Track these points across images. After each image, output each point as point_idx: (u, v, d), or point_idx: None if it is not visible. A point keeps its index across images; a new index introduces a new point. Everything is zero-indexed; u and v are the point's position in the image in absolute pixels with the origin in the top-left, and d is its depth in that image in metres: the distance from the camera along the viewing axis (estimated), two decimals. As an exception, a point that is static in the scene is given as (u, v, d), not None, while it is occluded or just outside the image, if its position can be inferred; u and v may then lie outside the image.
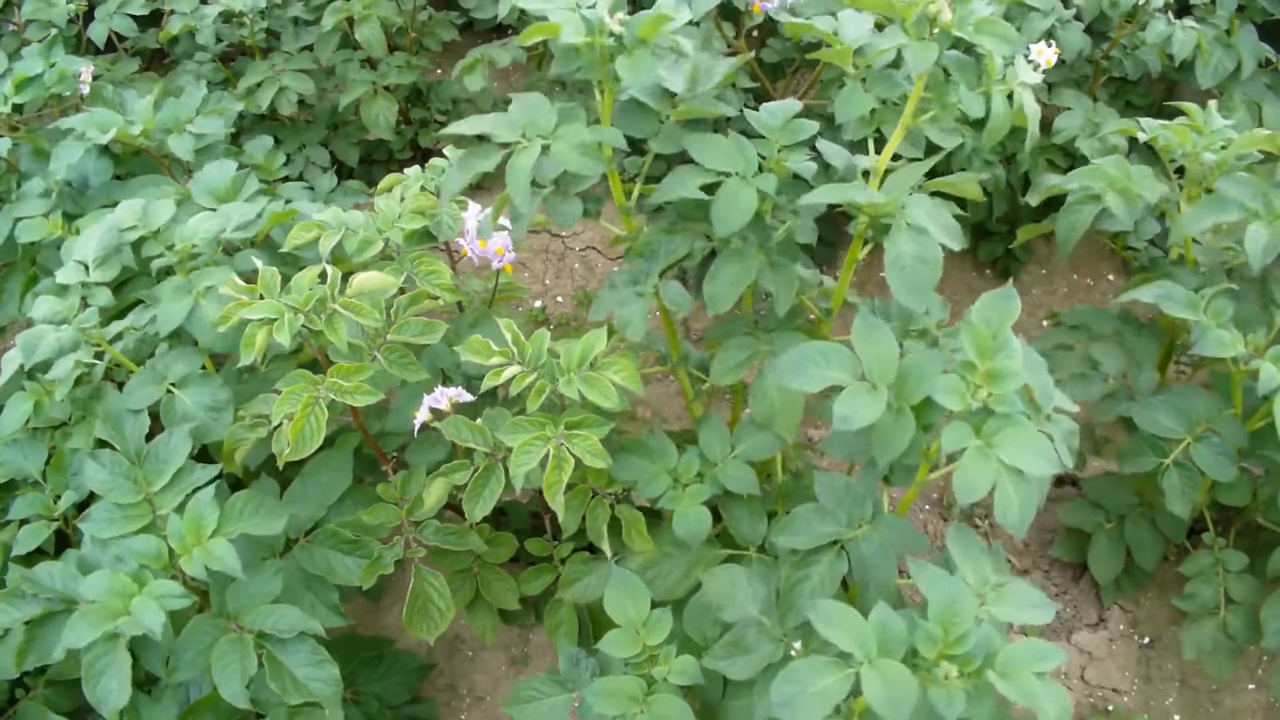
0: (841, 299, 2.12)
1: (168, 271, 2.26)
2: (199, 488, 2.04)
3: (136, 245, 2.29)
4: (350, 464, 2.23)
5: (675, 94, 1.93)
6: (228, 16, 3.06)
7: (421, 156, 3.38)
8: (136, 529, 2.05)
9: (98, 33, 3.05)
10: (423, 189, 2.37)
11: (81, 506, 2.51)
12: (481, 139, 1.90)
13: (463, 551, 2.26)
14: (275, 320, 1.95)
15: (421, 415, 2.10)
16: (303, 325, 1.95)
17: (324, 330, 1.95)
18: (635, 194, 2.06)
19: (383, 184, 2.41)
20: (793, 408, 2.04)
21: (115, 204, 2.64)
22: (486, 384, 1.99)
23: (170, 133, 2.68)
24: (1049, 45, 2.55)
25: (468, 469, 2.07)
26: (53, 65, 2.74)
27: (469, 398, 2.12)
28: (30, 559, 2.23)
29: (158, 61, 3.51)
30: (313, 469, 2.22)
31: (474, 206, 2.34)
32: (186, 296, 2.17)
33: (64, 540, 2.38)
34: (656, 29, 1.77)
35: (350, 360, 2.02)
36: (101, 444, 2.57)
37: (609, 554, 2.12)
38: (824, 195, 1.81)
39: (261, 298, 2.02)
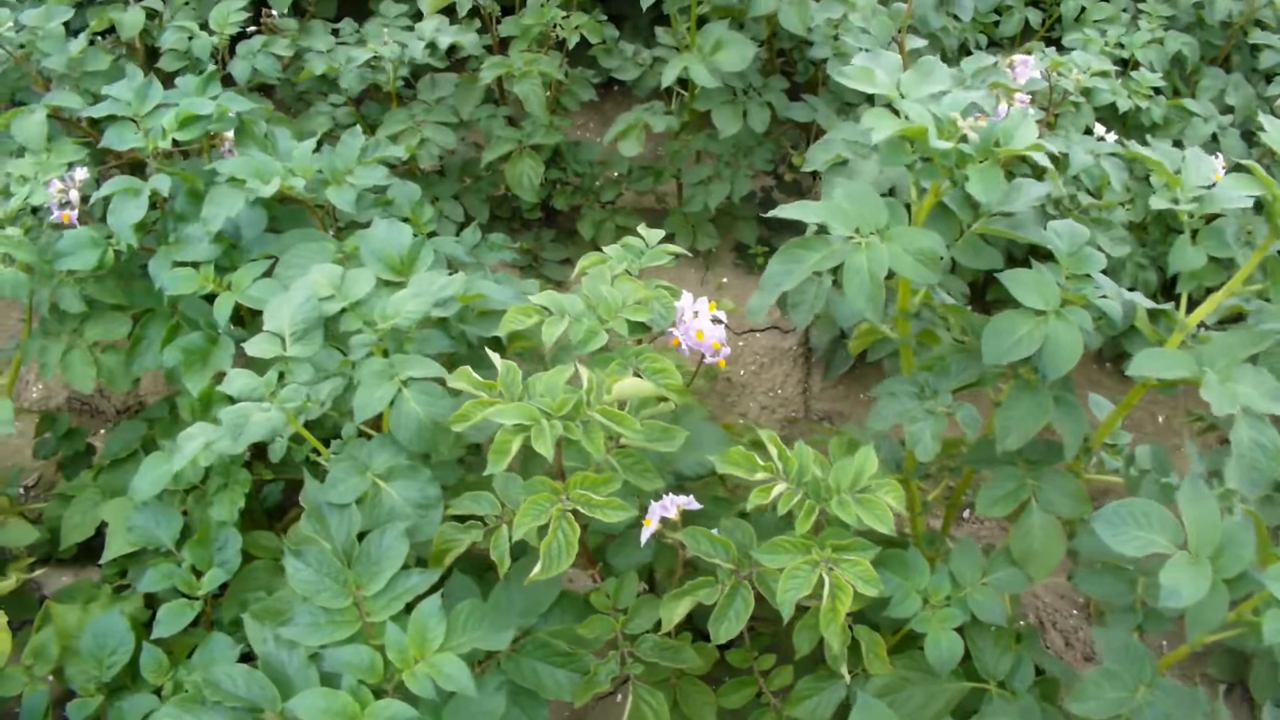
0: (1101, 440, 2.04)
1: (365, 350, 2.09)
2: (421, 595, 1.89)
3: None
4: (559, 568, 2.08)
5: (979, 204, 1.84)
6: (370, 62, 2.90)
7: (548, 217, 3.25)
8: (345, 637, 1.88)
9: (240, 70, 2.86)
10: (626, 271, 2.25)
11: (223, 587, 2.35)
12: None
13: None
14: (531, 427, 1.80)
15: (652, 525, 1.96)
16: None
17: (581, 440, 1.80)
18: (920, 299, 1.95)
19: (584, 263, 2.27)
20: (1054, 551, 1.96)
21: (270, 258, 2.49)
22: (753, 501, 1.86)
23: (328, 184, 2.51)
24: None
25: (713, 586, 1.93)
26: (215, 99, 2.55)
27: (697, 506, 1.99)
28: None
29: (263, 94, 3.32)
30: (517, 572, 2.07)
31: (687, 296, 2.21)
32: (388, 383, 2.01)
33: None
34: (1013, 155, 1.68)
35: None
36: (246, 515, 2.40)
37: (846, 676, 1.99)
38: (1157, 366, 1.72)
39: (501, 396, 1.87)
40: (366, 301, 2.10)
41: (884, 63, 1.99)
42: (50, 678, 2.41)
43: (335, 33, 3.12)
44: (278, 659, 1.97)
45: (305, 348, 2.01)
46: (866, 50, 2.62)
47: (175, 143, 2.55)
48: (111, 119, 2.63)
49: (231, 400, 2.25)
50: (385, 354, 2.07)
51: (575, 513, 1.82)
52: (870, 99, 2.88)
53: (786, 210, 1.83)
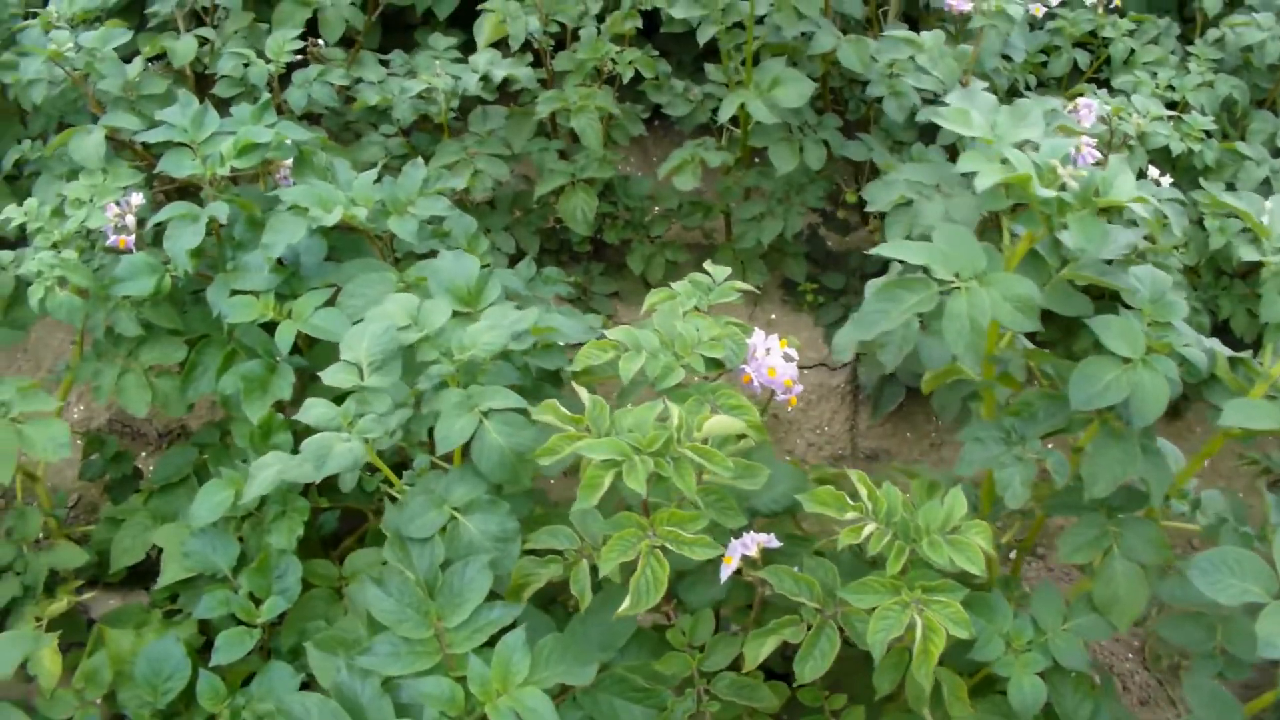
0: (1181, 486, 2.05)
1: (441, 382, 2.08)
2: (505, 628, 1.87)
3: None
4: (630, 603, 2.07)
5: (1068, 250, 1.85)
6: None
7: (597, 251, 3.25)
8: (426, 668, 1.87)
9: (295, 98, 2.86)
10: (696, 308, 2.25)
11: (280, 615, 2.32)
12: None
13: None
14: (623, 463, 1.79)
15: (734, 563, 1.95)
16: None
17: (672, 477, 1.80)
18: (1005, 343, 1.96)
19: (653, 299, 2.27)
20: (1137, 598, 1.96)
21: (330, 287, 2.48)
22: (843, 541, 1.85)
23: (389, 214, 2.51)
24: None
25: (798, 625, 1.92)
26: (271, 127, 2.55)
27: (777, 544, 1.98)
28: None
29: (309, 123, 3.32)
30: (595, 606, 2.06)
31: (759, 333, 2.21)
32: (467, 415, 2.00)
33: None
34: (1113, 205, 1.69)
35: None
36: (302, 543, 2.38)
37: (929, 718, 1.98)
38: (1247, 417, 1.73)
39: (589, 430, 1.87)
40: (443, 332, 2.09)
41: (979, 103, 2.00)
42: (98, 702, 2.39)
43: (384, 64, 3.13)
44: (350, 689, 1.95)
45: (384, 378, 2.00)
46: (932, 94, 2.66)
47: (233, 170, 2.55)
48: (167, 144, 2.62)
49: (292, 429, 2.25)
50: (461, 385, 2.06)
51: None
52: (930, 139, 2.91)
53: (885, 250, 1.84)
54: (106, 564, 2.66)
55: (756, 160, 3.08)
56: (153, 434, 3.23)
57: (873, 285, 2.16)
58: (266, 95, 2.69)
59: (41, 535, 2.63)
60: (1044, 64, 3.17)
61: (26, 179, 3.18)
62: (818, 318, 3.13)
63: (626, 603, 1.78)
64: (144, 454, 3.16)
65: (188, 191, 2.92)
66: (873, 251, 1.83)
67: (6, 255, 2.58)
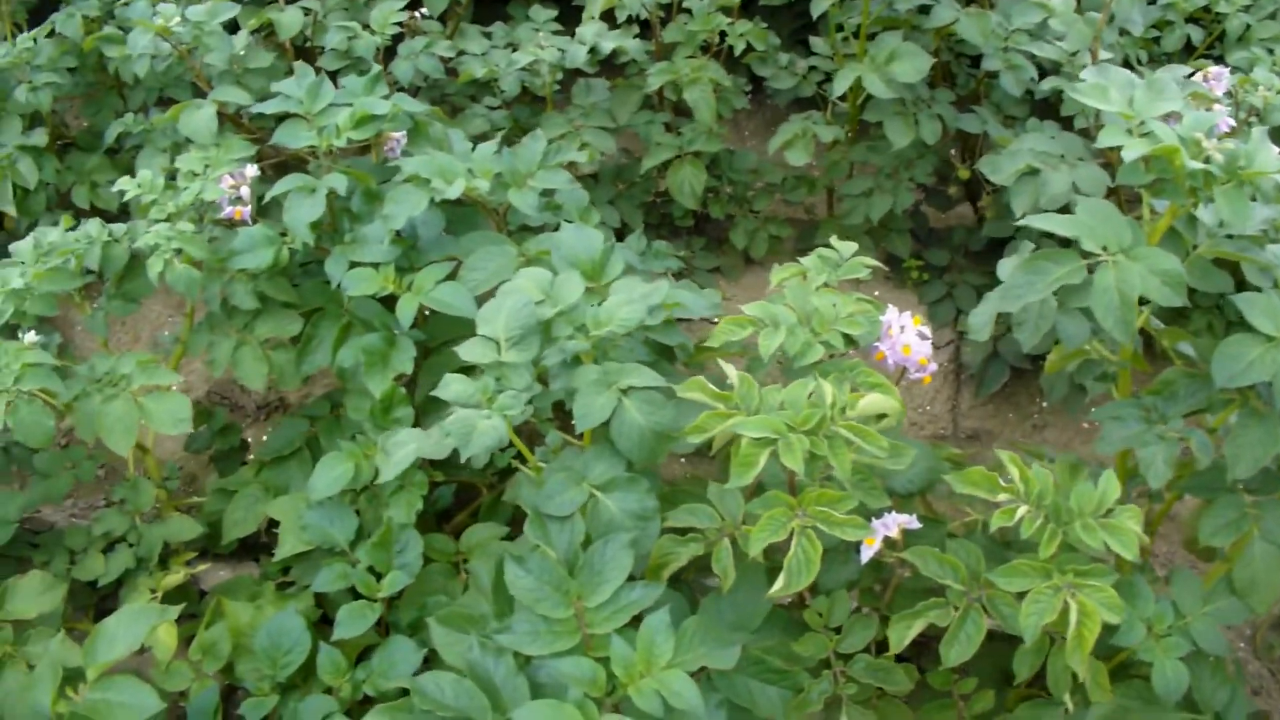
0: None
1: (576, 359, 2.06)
2: (647, 609, 1.85)
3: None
4: (764, 584, 2.05)
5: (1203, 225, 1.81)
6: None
7: (698, 225, 3.22)
8: (566, 648, 1.85)
9: (403, 71, 2.84)
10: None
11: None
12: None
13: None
14: (778, 441, 1.76)
15: (876, 544, 1.92)
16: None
17: (827, 455, 1.77)
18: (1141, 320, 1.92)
19: (781, 274, 2.23)
20: (1276, 583, 1.92)
21: (450, 260, 2.46)
22: (996, 523, 1.82)
23: (508, 186, 2.48)
24: None
25: (944, 608, 1.90)
26: (384, 99, 2.53)
27: (917, 525, 1.96)
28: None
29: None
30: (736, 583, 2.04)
31: (893, 310, 2.17)
32: (606, 392, 1.97)
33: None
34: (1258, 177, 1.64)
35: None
36: (420, 518, 2.36)
37: (1069, 705, 1.95)
38: None
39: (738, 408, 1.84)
40: (576, 307, 2.06)
41: (1113, 78, 1.96)
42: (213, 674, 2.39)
43: (486, 36, 3.10)
44: (483, 667, 1.94)
45: (522, 353, 1.98)
46: (1053, 64, 2.60)
47: (349, 141, 2.53)
48: (282, 116, 2.61)
49: (407, 403, 2.24)
50: (595, 361, 2.04)
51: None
52: (1044, 113, 2.86)
53: (1037, 220, 1.80)
54: (216, 535, 2.66)
55: (862, 136, 3.03)
56: (250, 405, 3.23)
57: (1008, 261, 2.13)
58: (377, 68, 2.66)
59: (152, 507, 2.64)
60: (1155, 39, 3.10)
61: (126, 152, 3.18)
62: (921, 295, 3.09)
63: (780, 583, 1.76)
64: (242, 425, 3.16)
65: (287, 166, 2.92)
66: (1021, 222, 1.79)
67: (119, 228, 2.58)
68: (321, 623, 2.45)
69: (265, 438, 2.95)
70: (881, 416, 2.02)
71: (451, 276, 2.41)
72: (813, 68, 3.03)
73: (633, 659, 1.79)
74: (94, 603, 2.70)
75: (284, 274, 2.57)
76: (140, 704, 2.00)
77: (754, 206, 3.10)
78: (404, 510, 2.36)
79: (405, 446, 1.98)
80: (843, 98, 2.97)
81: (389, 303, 2.52)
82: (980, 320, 2.01)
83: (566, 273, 2.12)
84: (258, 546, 2.76)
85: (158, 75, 2.99)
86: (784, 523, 1.78)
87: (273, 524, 2.65)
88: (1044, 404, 3.11)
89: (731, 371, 1.88)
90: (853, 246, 2.29)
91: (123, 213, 3.07)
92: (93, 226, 2.54)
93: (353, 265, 2.45)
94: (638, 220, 3.02)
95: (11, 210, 3.00)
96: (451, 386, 1.94)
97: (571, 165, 2.81)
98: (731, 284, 3.12)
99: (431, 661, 2.22)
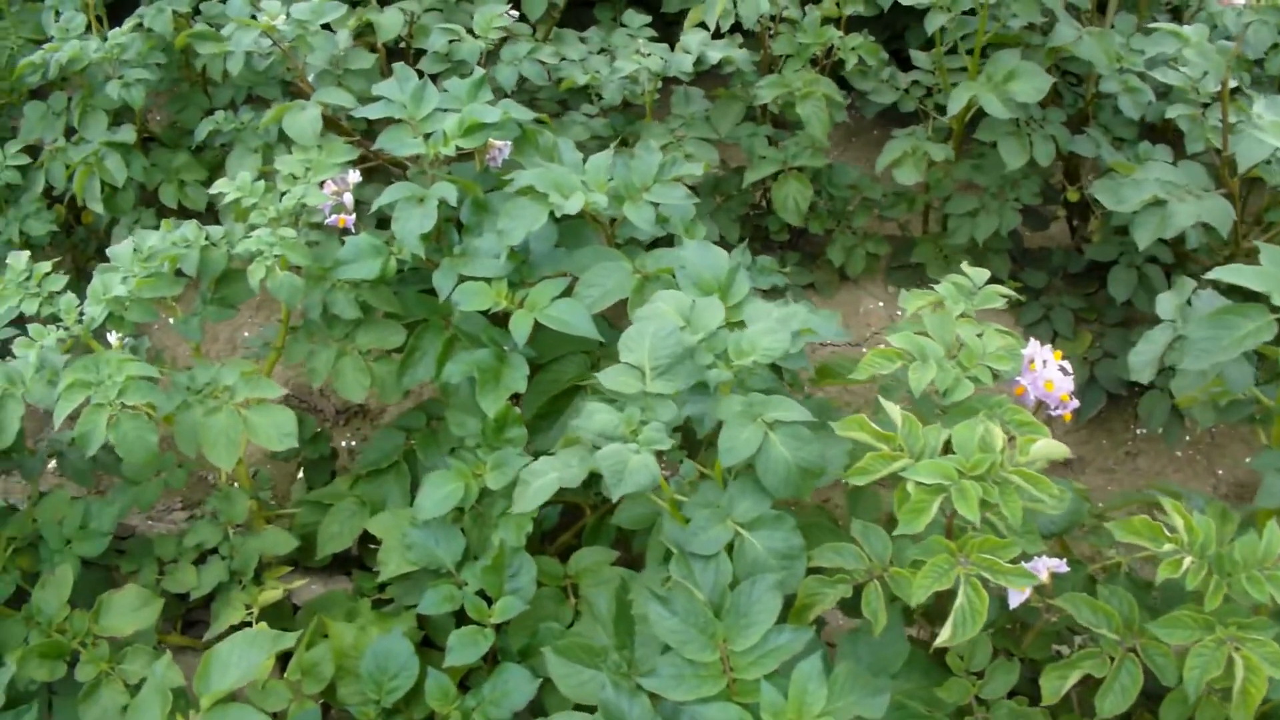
0: None
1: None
2: (798, 654, 1.80)
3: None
4: (902, 626, 1.99)
5: None
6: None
7: (793, 240, 3.15)
8: (712, 694, 1.79)
9: (505, 76, 2.77)
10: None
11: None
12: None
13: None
14: (950, 487, 1.70)
15: (1027, 590, 1.86)
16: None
17: (999, 504, 1.71)
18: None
19: (916, 302, 2.17)
20: None
21: (563, 275, 2.40)
22: (1162, 575, 1.77)
23: (622, 200, 2.42)
24: None
25: (1099, 658, 1.84)
26: (490, 104, 2.46)
27: (1064, 568, 1.90)
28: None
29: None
30: (866, 628, 1.98)
31: (1034, 343, 2.11)
32: (752, 425, 1.91)
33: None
34: None
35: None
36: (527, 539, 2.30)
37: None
38: None
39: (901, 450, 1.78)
40: (715, 334, 2.00)
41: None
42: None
43: (582, 40, 3.03)
44: (617, 708, 1.89)
45: (669, 383, 1.91)
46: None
47: (457, 149, 2.46)
48: (384, 121, 2.54)
49: (520, 424, 2.18)
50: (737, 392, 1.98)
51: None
52: (1154, 136, 2.80)
53: (1222, 273, 1.74)
54: (307, 549, 2.60)
55: (966, 154, 2.97)
56: (330, 410, 3.17)
57: (1167, 297, 2.07)
58: (480, 72, 2.58)
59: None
60: (1259, 61, 3.03)
61: (210, 151, 3.12)
62: (1019, 317, 3.03)
63: (946, 633, 1.70)
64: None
65: (377, 170, 2.86)
66: (1210, 275, 1.73)
67: (216, 231, 2.50)
68: (423, 645, 2.39)
69: (347, 444, 2.90)
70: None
71: (567, 293, 2.35)
72: (914, 82, 2.96)
73: (784, 707, 1.73)
74: (181, 614, 2.64)
75: (386, 283, 2.51)
76: (253, 732, 1.94)
77: (852, 223, 3.03)
78: (514, 532, 2.30)
79: (544, 476, 1.91)
80: (941, 112, 2.90)
81: (495, 317, 2.46)
82: (1142, 361, 1.96)
83: (705, 298, 2.06)
84: (348, 560, 2.70)
85: (248, 74, 2.93)
86: (947, 570, 1.73)
87: (365, 538, 2.59)
88: (1139, 431, 3.06)
89: (894, 411, 1.82)
90: (984, 274, 2.22)
91: (210, 213, 3.00)
92: (189, 230, 2.46)
93: (463, 279, 2.38)
94: (735, 234, 2.95)
95: (99, 208, 2.92)
96: (596, 418, 1.87)
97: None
98: (826, 301, 3.06)
99: (546, 691, 2.17)
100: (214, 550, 2.54)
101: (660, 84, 2.89)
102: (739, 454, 1.88)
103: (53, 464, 2.72)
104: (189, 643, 2.60)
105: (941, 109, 2.91)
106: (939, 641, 1.70)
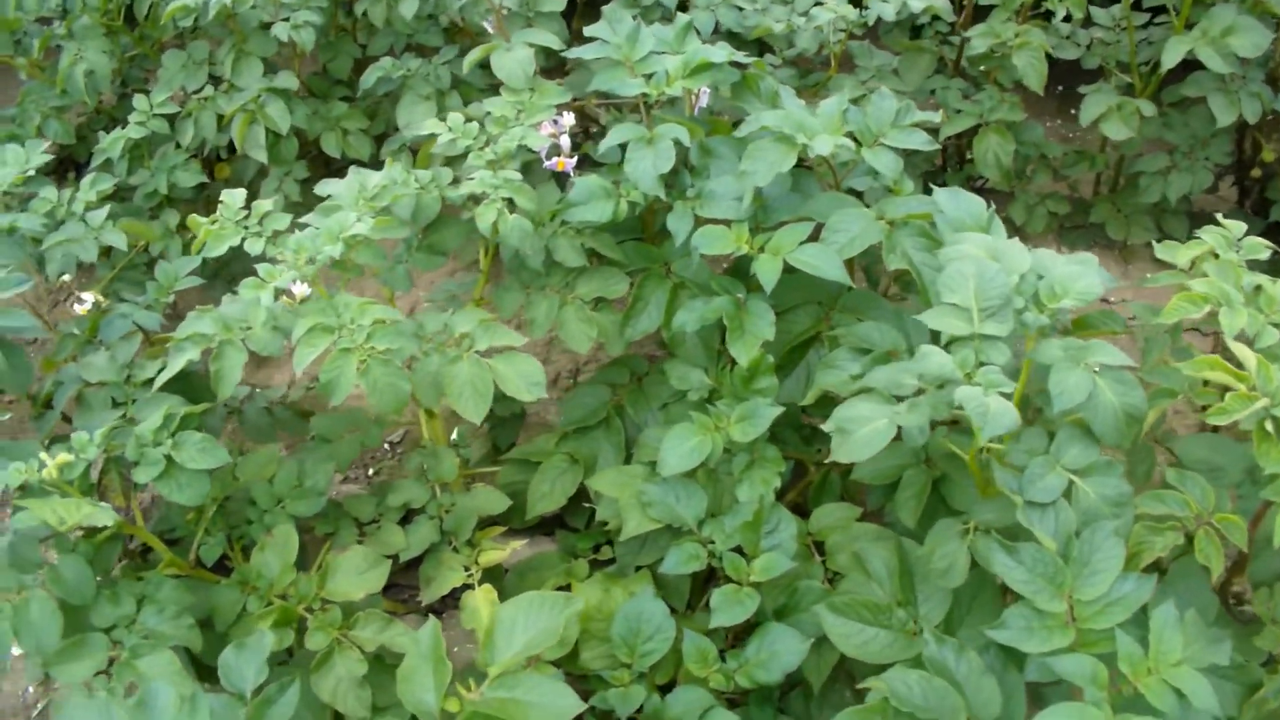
0: None
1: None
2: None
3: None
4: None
5: None
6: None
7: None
8: (1064, 645, 1.73)
9: (702, 22, 2.67)
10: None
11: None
12: None
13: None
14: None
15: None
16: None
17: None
18: None
19: (1191, 252, 2.12)
20: None
21: (801, 220, 2.31)
22: None
23: (860, 145, 2.33)
24: None
25: None
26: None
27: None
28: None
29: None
30: (1176, 575, 1.94)
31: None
32: (1076, 369, 1.84)
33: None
34: None
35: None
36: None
37: None
38: None
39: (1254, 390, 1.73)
40: (1024, 278, 1.93)
41: None
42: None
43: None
44: (941, 662, 1.82)
45: (999, 325, 1.83)
46: None
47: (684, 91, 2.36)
48: (598, 62, 2.43)
49: (771, 373, 2.12)
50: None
51: None
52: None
53: None
54: (514, 509, 2.49)
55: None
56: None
57: None
58: (685, 17, 2.49)
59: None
60: None
61: (362, 99, 2.98)
62: (1196, 279, 3.00)
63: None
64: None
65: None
66: None
67: (423, 175, 2.38)
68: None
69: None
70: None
71: (812, 238, 2.26)
72: (1096, 39, 2.91)
73: (1140, 657, 1.67)
74: (383, 577, 2.50)
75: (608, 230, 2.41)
76: (557, 704, 1.83)
77: (1032, 180, 2.98)
78: (759, 487, 2.22)
79: (872, 422, 1.83)
80: (1124, 68, 2.86)
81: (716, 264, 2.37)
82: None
83: (1010, 240, 1.99)
84: (551, 520, 2.59)
85: (407, 20, 2.80)
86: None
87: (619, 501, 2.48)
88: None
89: (1247, 354, 1.77)
90: (1242, 226, 2.18)
91: (374, 162, 2.86)
92: (397, 171, 2.33)
93: (701, 224, 2.29)
94: (919, 188, 2.87)
95: (262, 156, 2.77)
96: (931, 359, 1.79)
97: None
98: (1002, 260, 3.00)
99: (819, 649, 2.08)
100: (422, 510, 2.41)
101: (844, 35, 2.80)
102: (1071, 399, 1.81)
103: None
104: (391, 607, 2.47)
105: (1122, 65, 2.87)
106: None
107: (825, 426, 1.94)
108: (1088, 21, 2.95)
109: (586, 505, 2.51)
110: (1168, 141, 2.87)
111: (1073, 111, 3.23)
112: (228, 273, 2.95)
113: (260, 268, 2.11)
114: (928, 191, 2.22)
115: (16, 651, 2.00)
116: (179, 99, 2.95)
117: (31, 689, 2.53)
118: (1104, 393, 1.83)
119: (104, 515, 1.89)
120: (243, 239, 2.18)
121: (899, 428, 1.83)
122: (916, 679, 1.78)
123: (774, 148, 2.25)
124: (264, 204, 2.22)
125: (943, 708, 1.76)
